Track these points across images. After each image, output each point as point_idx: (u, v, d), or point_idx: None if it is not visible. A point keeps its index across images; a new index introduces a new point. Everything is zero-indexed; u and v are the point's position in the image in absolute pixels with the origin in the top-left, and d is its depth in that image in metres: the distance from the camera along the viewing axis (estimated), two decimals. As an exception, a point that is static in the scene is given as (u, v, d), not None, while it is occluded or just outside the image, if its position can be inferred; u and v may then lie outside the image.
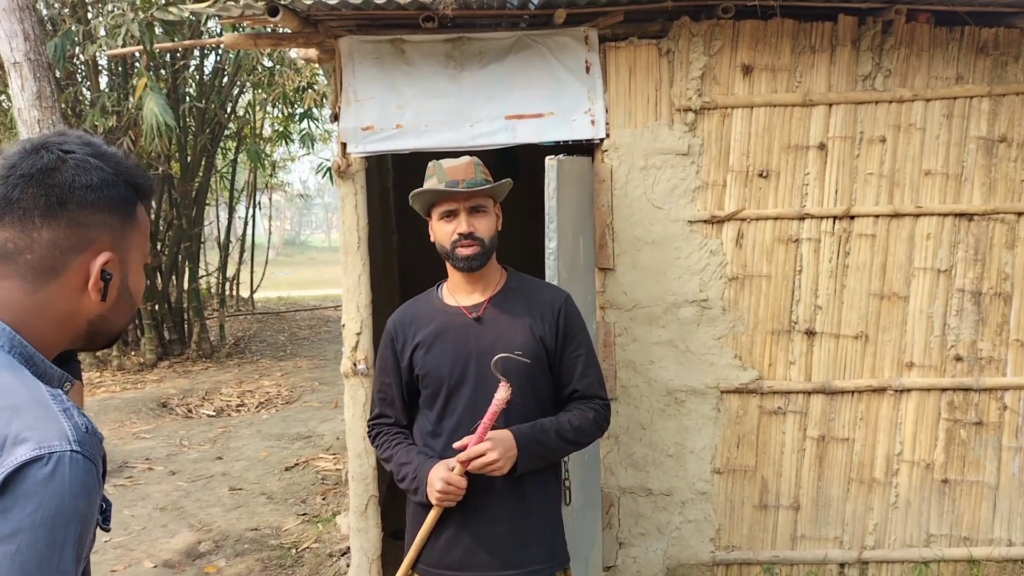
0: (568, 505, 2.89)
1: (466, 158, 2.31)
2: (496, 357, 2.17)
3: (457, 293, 2.36)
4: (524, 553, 2.30)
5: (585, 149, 3.82)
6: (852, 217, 3.84)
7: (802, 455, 3.95)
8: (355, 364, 3.81)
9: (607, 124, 3.79)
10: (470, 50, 3.73)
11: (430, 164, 2.32)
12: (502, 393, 2.15)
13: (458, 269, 2.30)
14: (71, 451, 1.03)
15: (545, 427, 2.26)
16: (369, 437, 2.49)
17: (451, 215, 2.27)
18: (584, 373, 2.36)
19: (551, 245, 2.91)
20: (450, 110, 3.74)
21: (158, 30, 6.23)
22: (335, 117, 3.77)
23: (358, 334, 3.83)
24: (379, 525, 3.93)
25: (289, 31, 3.61)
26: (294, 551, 4.89)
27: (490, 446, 2.15)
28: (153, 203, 11.10)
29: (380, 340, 2.47)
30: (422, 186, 2.29)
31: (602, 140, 3.80)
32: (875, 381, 3.90)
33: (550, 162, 2.93)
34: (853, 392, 3.91)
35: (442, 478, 2.18)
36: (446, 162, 2.29)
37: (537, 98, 3.75)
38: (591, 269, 3.75)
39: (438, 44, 3.72)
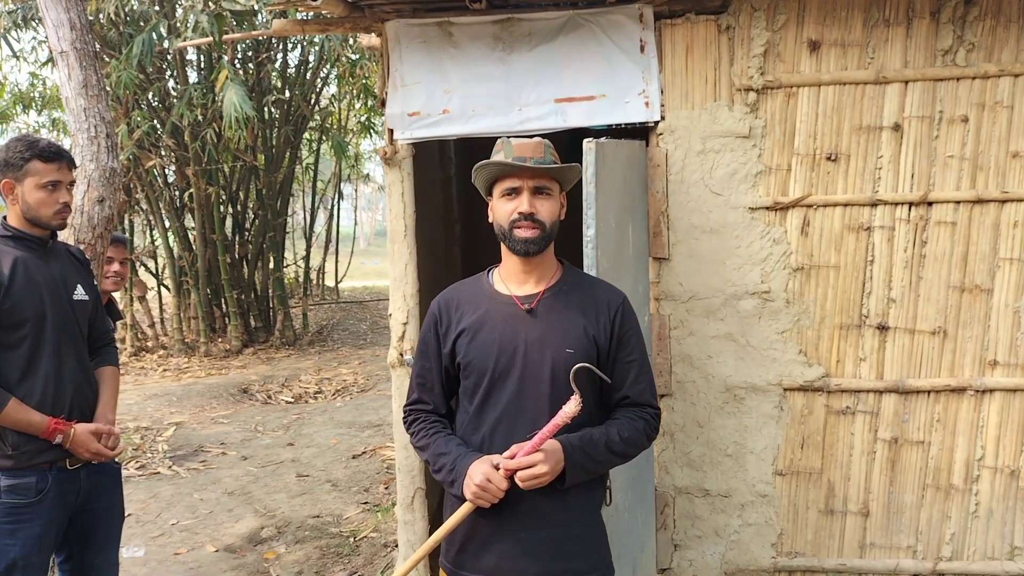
0: (608, 506, 2.76)
1: (537, 138, 2.19)
2: (577, 366, 2.04)
3: (509, 281, 2.23)
4: (564, 562, 2.16)
5: (639, 132, 3.66)
6: (930, 203, 3.55)
7: (872, 458, 3.70)
8: (402, 355, 3.75)
9: (662, 106, 3.61)
10: (519, 31, 3.61)
11: (498, 140, 2.21)
12: (572, 407, 2.03)
13: (514, 252, 2.17)
14: None
15: (595, 439, 2.12)
16: (404, 423, 2.36)
17: (514, 193, 2.14)
18: (637, 380, 2.22)
19: (589, 233, 2.77)
20: (498, 94, 3.63)
21: (231, 20, 6.32)
22: (382, 103, 3.71)
23: (404, 324, 3.76)
24: (426, 517, 3.87)
25: (335, 16, 3.56)
26: (352, 540, 4.90)
27: (542, 458, 2.03)
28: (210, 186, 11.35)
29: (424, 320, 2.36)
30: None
31: (657, 123, 3.63)
32: (954, 380, 3.61)
33: (588, 145, 2.79)
34: (929, 392, 3.63)
35: (484, 473, 2.05)
36: (515, 140, 2.17)
37: (588, 80, 3.60)
38: (643, 259, 3.58)
39: (486, 26, 3.61)
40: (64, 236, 3.31)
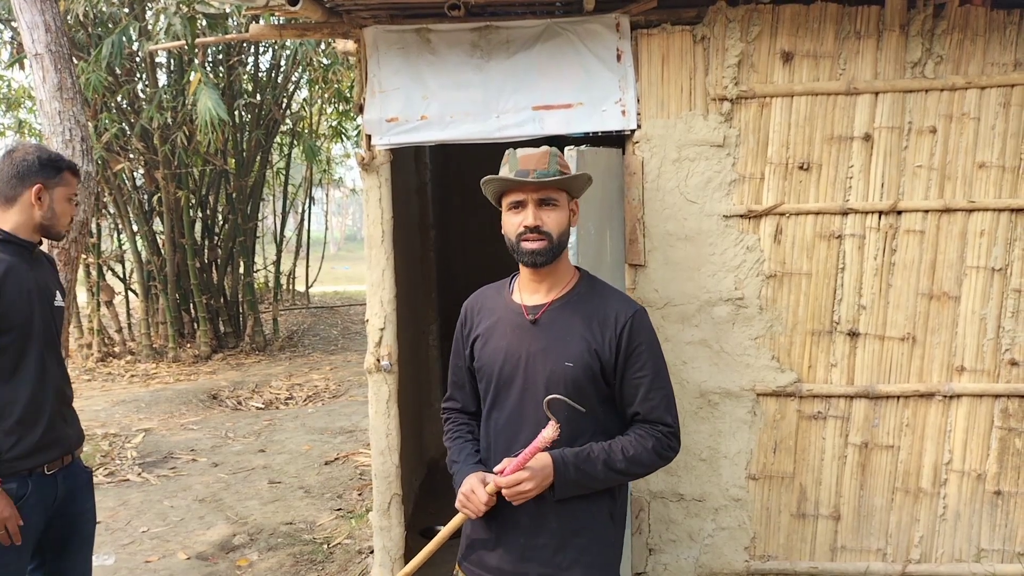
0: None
1: (544, 148, 2.19)
2: (549, 397, 2.07)
3: (524, 289, 2.25)
4: (559, 570, 2.17)
5: (615, 140, 3.69)
6: (899, 212, 3.63)
7: (843, 462, 3.76)
8: (379, 360, 3.75)
9: (638, 115, 3.65)
10: (497, 39, 3.63)
11: (507, 151, 2.22)
12: (549, 432, 2.06)
13: (523, 264, 2.19)
14: None
15: (592, 456, 2.13)
16: (442, 419, 2.47)
17: (519, 206, 2.15)
18: (647, 396, 2.16)
19: (571, 240, 2.80)
20: (476, 101, 3.65)
21: (202, 23, 6.27)
22: (360, 109, 3.71)
23: (382, 329, 3.76)
24: (402, 524, 3.87)
25: (313, 21, 3.56)
26: (326, 547, 4.87)
27: (527, 476, 2.06)
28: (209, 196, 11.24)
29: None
30: (489, 175, 2.18)
31: (633, 131, 3.67)
32: (923, 386, 3.69)
33: (570, 153, 2.83)
34: (899, 397, 3.71)
35: (470, 485, 2.14)
36: (521, 151, 2.18)
37: (566, 88, 3.63)
38: (620, 265, 3.62)
39: (464, 33, 3.63)
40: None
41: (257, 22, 3.91)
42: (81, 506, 2.86)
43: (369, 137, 3.71)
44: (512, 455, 2.13)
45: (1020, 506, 3.71)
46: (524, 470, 2.07)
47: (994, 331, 3.64)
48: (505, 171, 2.16)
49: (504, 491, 2.08)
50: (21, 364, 2.62)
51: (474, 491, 2.12)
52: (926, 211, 3.62)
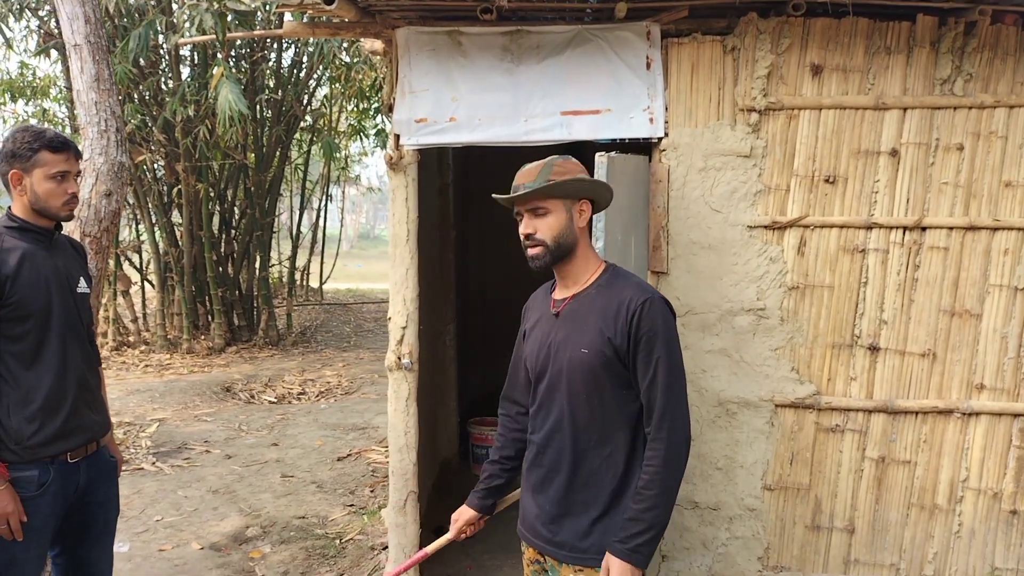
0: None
1: (539, 162, 2.30)
2: None
3: (558, 287, 2.40)
4: (561, 534, 2.30)
5: (642, 148, 3.71)
6: (924, 228, 3.63)
7: (859, 476, 3.76)
8: (400, 358, 3.78)
9: (666, 123, 3.67)
10: (527, 43, 3.65)
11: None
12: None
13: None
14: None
15: (631, 517, 2.16)
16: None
17: (520, 217, 2.32)
18: (649, 386, 2.19)
19: (598, 245, 2.83)
20: (505, 104, 3.67)
21: (231, 19, 6.33)
22: (389, 109, 3.74)
23: (404, 328, 3.79)
24: (417, 521, 3.89)
25: (345, 20, 3.59)
26: (338, 542, 4.90)
27: None
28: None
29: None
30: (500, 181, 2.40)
31: (660, 139, 3.68)
32: (942, 402, 3.69)
33: (600, 159, 2.85)
34: (917, 413, 3.71)
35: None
36: (525, 167, 2.32)
37: (594, 94, 3.65)
38: (643, 272, 3.63)
39: (495, 37, 3.66)
40: (70, 229, 3.32)
41: (282, 18, 3.92)
42: (104, 495, 2.89)
43: (397, 137, 3.74)
44: (537, 442, 2.35)
45: (1036, 526, 3.70)
46: None
47: (1015, 350, 3.64)
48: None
49: None
50: (42, 351, 2.64)
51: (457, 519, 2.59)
52: (950, 228, 3.62)
